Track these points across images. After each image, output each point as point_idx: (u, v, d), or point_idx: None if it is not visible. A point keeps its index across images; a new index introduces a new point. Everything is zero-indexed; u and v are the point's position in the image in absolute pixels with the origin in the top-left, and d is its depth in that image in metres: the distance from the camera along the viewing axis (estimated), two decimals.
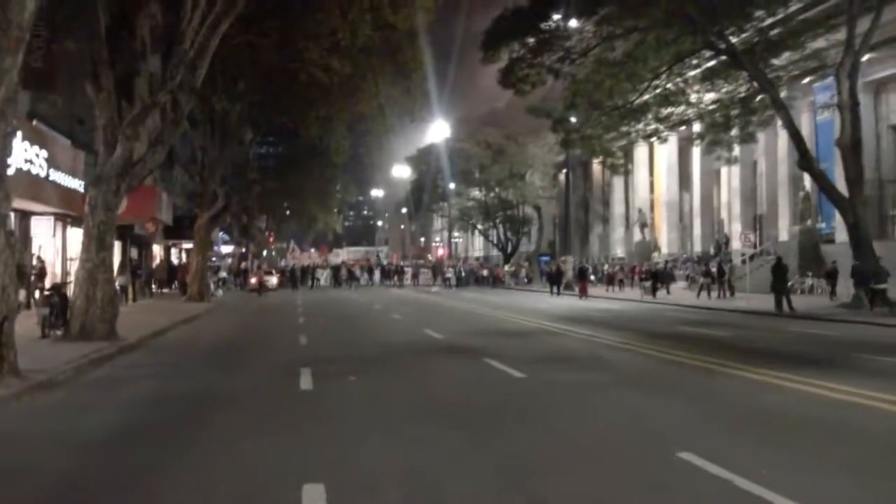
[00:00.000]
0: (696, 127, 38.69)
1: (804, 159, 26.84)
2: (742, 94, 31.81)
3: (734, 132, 32.99)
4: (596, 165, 62.86)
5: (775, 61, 29.12)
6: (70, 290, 16.68)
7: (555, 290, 41.33)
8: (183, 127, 17.77)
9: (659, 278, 34.09)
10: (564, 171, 62.88)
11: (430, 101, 35.35)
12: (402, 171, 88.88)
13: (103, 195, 15.57)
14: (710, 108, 33.55)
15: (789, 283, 26.82)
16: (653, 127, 35.40)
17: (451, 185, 69.42)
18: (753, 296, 27.37)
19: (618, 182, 59.88)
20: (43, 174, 20.44)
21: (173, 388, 10.38)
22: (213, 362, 13.40)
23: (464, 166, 63.78)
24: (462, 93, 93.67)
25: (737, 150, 34.58)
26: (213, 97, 24.70)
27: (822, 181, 27.04)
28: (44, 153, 20.33)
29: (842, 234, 35.56)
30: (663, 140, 40.69)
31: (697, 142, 37.39)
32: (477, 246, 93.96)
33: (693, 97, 33.24)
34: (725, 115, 32.46)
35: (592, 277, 44.65)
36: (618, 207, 60.55)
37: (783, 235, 40.11)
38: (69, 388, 10.29)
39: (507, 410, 8.43)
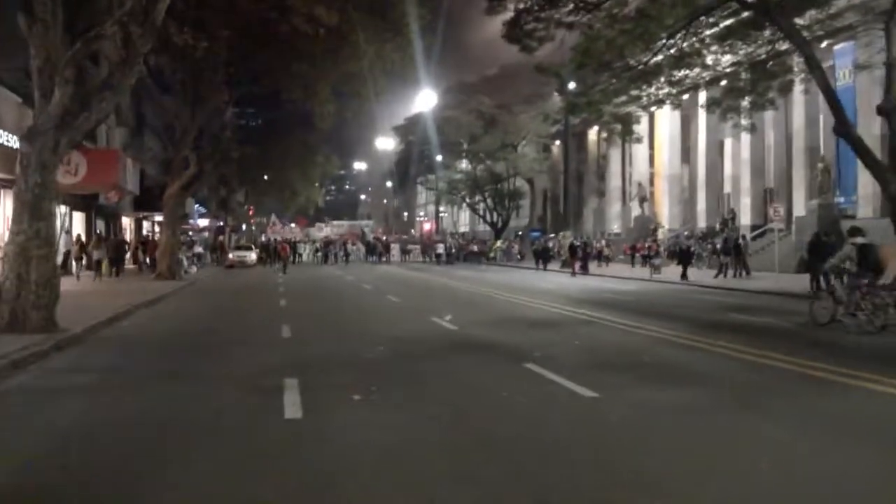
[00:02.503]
0: (703, 95, 36.32)
1: (841, 124, 24.38)
2: (762, 57, 29.48)
3: (748, 99, 30.44)
4: (592, 137, 60.11)
5: (799, 21, 26.51)
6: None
7: (541, 266, 42.05)
8: (139, 71, 14.62)
9: (688, 257, 31.37)
10: (558, 142, 60.24)
11: (418, 63, 32.64)
12: (386, 143, 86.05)
13: (38, 152, 12.61)
14: (728, 70, 31.08)
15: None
16: (665, 91, 32.96)
17: (439, 157, 66.50)
18: (772, 274, 24.95)
19: (614, 154, 57.03)
20: None
21: (103, 411, 7.45)
22: (167, 365, 10.35)
23: (453, 136, 60.71)
24: (452, 59, 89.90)
25: (750, 118, 31.98)
26: (176, 36, 21.67)
27: (860, 147, 24.55)
28: None
29: (865, 209, 33.28)
30: (676, 105, 38.28)
31: (711, 108, 34.80)
32: (464, 220, 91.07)
33: (709, 59, 30.66)
34: (743, 79, 30.16)
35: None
36: (614, 181, 57.64)
37: (798, 210, 37.55)
38: None
39: (605, 465, 5.45)
